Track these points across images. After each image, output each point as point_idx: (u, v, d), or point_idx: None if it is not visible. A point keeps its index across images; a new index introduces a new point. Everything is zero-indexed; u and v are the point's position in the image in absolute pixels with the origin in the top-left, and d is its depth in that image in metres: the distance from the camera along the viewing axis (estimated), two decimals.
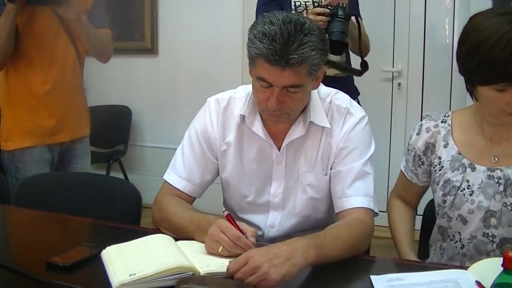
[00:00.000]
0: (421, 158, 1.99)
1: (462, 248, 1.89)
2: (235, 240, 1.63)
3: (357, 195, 1.88)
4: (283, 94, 1.75)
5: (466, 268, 1.62)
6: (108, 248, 1.70)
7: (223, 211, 1.74)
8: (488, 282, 1.30)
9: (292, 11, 2.94)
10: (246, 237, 1.65)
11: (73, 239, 1.94)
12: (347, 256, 1.70)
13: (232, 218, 1.71)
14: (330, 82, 2.62)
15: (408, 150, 2.04)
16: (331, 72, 3.06)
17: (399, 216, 2.12)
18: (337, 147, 1.93)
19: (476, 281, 1.47)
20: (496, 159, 1.85)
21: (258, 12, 3.08)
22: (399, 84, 4.47)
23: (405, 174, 2.08)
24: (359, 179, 1.90)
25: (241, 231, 1.67)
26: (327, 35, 2.76)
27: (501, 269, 1.19)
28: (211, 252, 1.68)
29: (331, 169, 1.95)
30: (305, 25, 1.70)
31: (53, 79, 2.86)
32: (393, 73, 4.45)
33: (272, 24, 1.68)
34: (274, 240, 1.95)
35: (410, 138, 2.03)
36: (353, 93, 3.11)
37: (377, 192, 1.94)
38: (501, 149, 1.85)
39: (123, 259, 1.61)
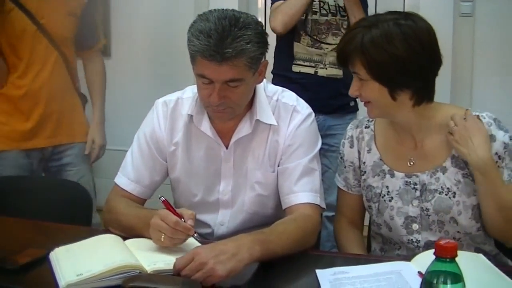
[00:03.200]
0: (360, 167, 2.01)
1: (399, 249, 1.94)
2: (173, 225, 1.64)
3: (303, 191, 1.91)
4: (224, 89, 1.77)
5: (409, 259, 1.65)
6: (56, 249, 1.70)
7: (159, 197, 1.75)
8: None
9: None
10: (185, 221, 1.67)
11: (23, 241, 1.92)
12: (294, 251, 1.73)
13: (168, 203, 1.73)
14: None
15: (345, 167, 2.03)
16: (324, 72, 3.10)
17: (351, 243, 2.04)
18: (284, 144, 1.96)
19: (419, 272, 1.51)
20: (412, 163, 1.89)
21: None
22: None
23: (349, 191, 2.06)
24: (306, 175, 1.93)
25: (179, 215, 1.68)
26: None
27: None
28: (156, 242, 1.69)
29: (278, 166, 1.97)
30: (240, 20, 1.73)
31: (27, 84, 2.82)
32: None
33: (208, 21, 1.72)
34: (224, 237, 1.94)
35: (343, 155, 2.03)
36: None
37: None
38: (416, 153, 1.89)
39: (71, 260, 1.61)
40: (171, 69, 4.74)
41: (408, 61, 1.71)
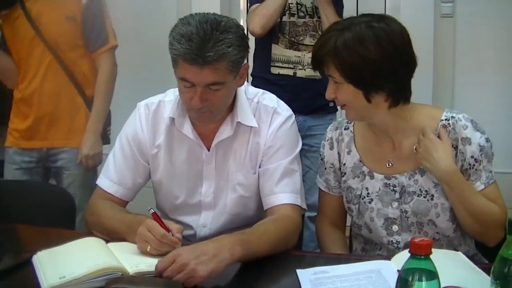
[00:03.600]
0: (341, 168, 2.02)
1: (380, 250, 1.96)
2: (160, 238, 1.66)
3: (284, 192, 1.93)
4: (205, 92, 1.78)
5: (390, 259, 1.66)
6: (39, 252, 1.70)
7: (149, 209, 1.76)
8: None
9: None
10: (172, 234, 1.69)
11: (5, 245, 1.92)
12: (275, 252, 1.75)
13: (157, 216, 1.74)
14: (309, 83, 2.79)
15: (326, 168, 2.05)
16: (302, 73, 3.13)
17: (333, 243, 2.05)
18: (265, 146, 1.97)
19: (398, 270, 1.52)
20: (391, 164, 1.91)
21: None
22: None
23: (330, 192, 2.07)
24: (286, 176, 1.95)
25: (167, 228, 1.69)
26: None
27: None
28: (142, 251, 1.70)
29: (259, 167, 1.99)
30: (221, 23, 1.75)
31: (23, 88, 2.93)
32: None
33: (189, 25, 1.73)
34: (206, 239, 1.94)
35: (323, 156, 2.05)
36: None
37: None
38: (394, 154, 1.91)
39: (53, 263, 1.62)
40: (152, 72, 4.72)
41: (380, 63, 1.73)
